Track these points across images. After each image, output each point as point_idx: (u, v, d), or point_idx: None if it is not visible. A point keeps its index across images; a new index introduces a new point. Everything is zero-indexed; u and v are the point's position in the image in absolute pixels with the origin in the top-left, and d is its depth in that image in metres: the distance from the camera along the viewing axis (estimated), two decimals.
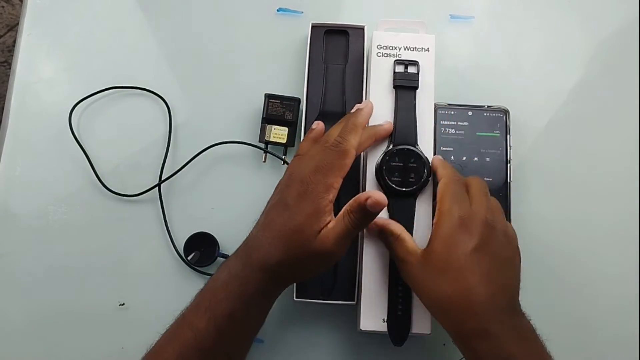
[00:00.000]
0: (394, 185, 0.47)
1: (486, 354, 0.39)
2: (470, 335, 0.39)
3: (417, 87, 0.50)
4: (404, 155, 0.48)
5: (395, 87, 0.50)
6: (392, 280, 0.47)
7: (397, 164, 0.47)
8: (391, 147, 0.48)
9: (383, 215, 0.47)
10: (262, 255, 0.42)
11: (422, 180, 0.47)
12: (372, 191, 0.41)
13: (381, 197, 0.41)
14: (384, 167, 0.47)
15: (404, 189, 0.47)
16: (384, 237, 0.46)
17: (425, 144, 0.50)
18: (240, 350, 0.44)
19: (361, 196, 0.41)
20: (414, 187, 0.47)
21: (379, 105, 0.51)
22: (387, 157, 0.48)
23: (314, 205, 0.41)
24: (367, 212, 0.41)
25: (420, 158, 0.48)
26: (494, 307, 0.40)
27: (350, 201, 0.42)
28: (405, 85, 0.50)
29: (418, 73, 0.51)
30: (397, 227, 0.46)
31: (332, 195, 0.42)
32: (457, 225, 0.41)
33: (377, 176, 0.48)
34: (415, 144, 0.49)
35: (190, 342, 0.42)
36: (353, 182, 0.51)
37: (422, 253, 0.42)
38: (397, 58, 0.51)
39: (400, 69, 0.51)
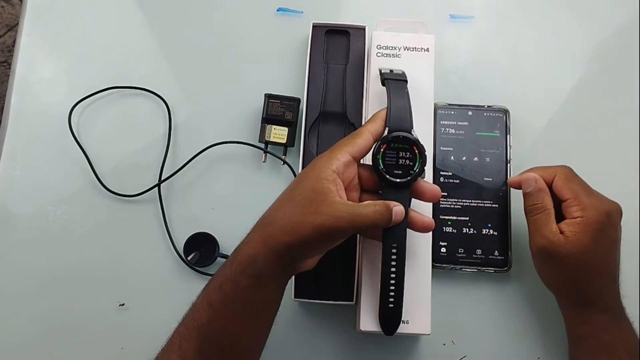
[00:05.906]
0: (387, 176, 0.44)
1: (604, 323, 0.47)
2: (590, 309, 0.47)
3: (406, 81, 0.49)
4: (398, 143, 0.45)
5: (384, 80, 0.49)
6: (385, 274, 0.45)
7: (391, 152, 0.45)
8: (385, 133, 0.45)
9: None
10: (261, 220, 0.43)
11: (417, 170, 0.45)
12: (397, 205, 0.43)
13: (401, 215, 0.43)
14: (378, 157, 0.45)
15: (398, 180, 0.45)
16: (530, 200, 0.48)
17: (425, 144, 0.47)
18: (239, 332, 0.42)
19: (390, 204, 0.43)
20: (409, 177, 0.45)
21: (379, 105, 0.51)
22: (380, 147, 0.45)
23: (315, 170, 0.43)
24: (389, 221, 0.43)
25: (414, 147, 0.45)
26: (617, 288, 0.48)
27: (380, 202, 0.43)
28: (393, 78, 0.49)
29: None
30: (550, 201, 0.48)
31: (334, 166, 0.43)
32: (605, 219, 0.46)
33: (372, 164, 0.45)
34: (410, 129, 0.46)
35: (190, 320, 0.42)
36: None
37: (568, 240, 0.45)
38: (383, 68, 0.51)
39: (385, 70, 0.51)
